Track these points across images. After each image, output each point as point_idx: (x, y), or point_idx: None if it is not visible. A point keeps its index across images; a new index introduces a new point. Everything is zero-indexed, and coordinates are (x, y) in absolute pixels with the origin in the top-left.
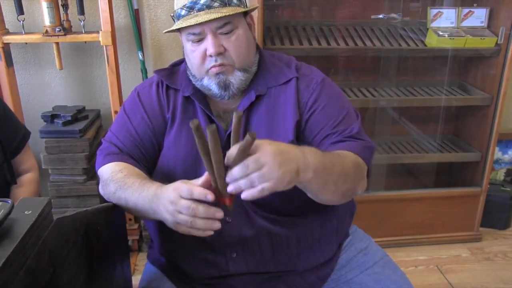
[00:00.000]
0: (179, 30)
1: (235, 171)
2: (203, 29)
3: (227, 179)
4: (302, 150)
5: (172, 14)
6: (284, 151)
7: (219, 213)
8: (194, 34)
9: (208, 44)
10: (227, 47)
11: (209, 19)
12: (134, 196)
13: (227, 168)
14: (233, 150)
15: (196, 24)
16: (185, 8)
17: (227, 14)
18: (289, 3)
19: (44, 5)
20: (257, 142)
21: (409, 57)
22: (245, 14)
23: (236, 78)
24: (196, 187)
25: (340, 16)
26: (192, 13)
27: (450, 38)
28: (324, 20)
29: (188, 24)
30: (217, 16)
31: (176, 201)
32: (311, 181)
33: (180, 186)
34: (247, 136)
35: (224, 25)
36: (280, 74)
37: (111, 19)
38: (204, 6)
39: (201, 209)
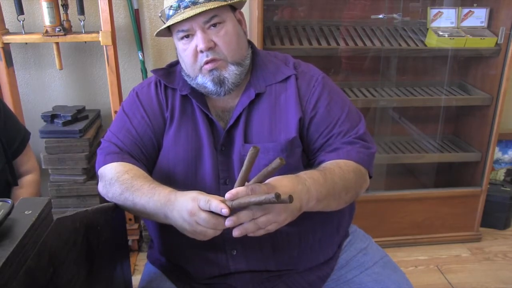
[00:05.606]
0: (170, 31)
1: (243, 215)
2: (191, 25)
3: (231, 217)
4: (304, 183)
5: (159, 15)
6: (289, 192)
7: (229, 222)
8: (183, 30)
9: (198, 40)
10: (217, 41)
11: (194, 13)
12: (144, 199)
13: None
14: (256, 188)
15: (184, 21)
16: (172, 8)
17: (212, 7)
18: (289, 3)
19: (44, 5)
20: (268, 186)
21: (409, 57)
22: (234, 10)
23: (231, 73)
24: (213, 199)
25: (340, 16)
26: (179, 11)
27: (450, 38)
28: (324, 20)
29: (175, 21)
30: (202, 10)
31: (195, 212)
32: (314, 207)
33: (199, 197)
34: (272, 195)
35: (211, 19)
36: (277, 71)
37: (111, 19)
38: (190, 3)
39: (221, 222)
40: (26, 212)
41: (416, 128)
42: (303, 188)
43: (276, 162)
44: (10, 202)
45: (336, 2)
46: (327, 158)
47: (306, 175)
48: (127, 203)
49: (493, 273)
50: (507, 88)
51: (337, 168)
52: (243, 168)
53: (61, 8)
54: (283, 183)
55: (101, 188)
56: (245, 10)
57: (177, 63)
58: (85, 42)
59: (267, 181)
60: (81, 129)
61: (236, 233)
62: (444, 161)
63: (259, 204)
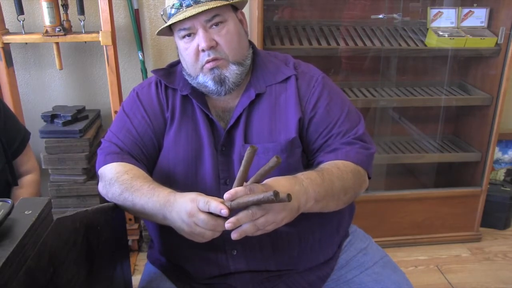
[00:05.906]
0: (171, 30)
1: (242, 216)
2: (193, 24)
3: (231, 219)
4: (301, 183)
5: (161, 13)
6: (287, 192)
7: (228, 225)
8: (184, 29)
9: (200, 39)
10: (218, 40)
11: (196, 12)
12: (143, 200)
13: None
14: (256, 187)
15: (185, 19)
16: (174, 7)
17: (214, 6)
18: (289, 3)
19: (44, 5)
20: (266, 186)
21: (409, 57)
22: (236, 10)
23: (231, 72)
24: (212, 200)
25: (340, 16)
26: (181, 10)
27: (450, 38)
28: (324, 20)
29: (177, 19)
30: (205, 9)
31: (194, 213)
32: (313, 208)
33: (198, 198)
34: (271, 193)
35: (213, 18)
36: (278, 72)
37: (111, 19)
38: (192, 2)
39: (220, 224)
40: (26, 212)
41: (416, 128)
42: (301, 188)
43: (273, 160)
44: (10, 202)
45: (336, 2)
46: (326, 159)
47: (304, 176)
48: (126, 203)
49: (493, 273)
50: (507, 88)
51: (335, 168)
52: (241, 168)
53: (61, 8)
54: (280, 183)
55: (101, 188)
56: (245, 10)
57: (177, 63)
58: (85, 42)
59: (264, 182)
60: (81, 129)
61: (234, 235)
62: (444, 161)
63: (257, 203)
